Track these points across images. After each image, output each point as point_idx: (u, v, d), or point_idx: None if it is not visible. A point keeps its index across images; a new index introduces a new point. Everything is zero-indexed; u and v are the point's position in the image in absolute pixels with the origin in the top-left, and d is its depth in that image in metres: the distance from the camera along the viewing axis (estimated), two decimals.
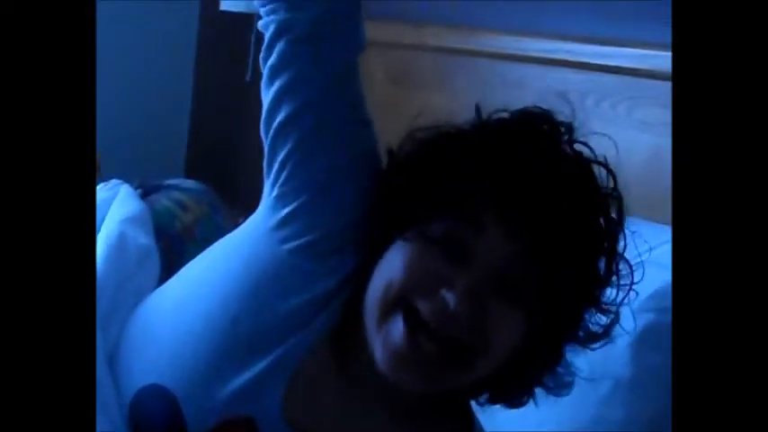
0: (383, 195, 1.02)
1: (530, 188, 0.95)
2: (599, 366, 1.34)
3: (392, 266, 0.97)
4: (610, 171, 1.01)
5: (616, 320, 1.03)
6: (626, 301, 1.02)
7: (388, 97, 2.24)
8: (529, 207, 0.94)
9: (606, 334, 1.03)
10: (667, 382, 1.43)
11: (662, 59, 1.71)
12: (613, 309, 1.02)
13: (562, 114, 1.02)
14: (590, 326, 1.02)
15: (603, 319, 1.02)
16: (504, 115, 1.03)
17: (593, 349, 1.04)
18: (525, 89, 1.96)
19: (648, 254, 1.57)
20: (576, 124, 1.01)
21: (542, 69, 1.94)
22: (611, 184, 1.01)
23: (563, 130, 1.01)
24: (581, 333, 1.02)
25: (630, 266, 1.02)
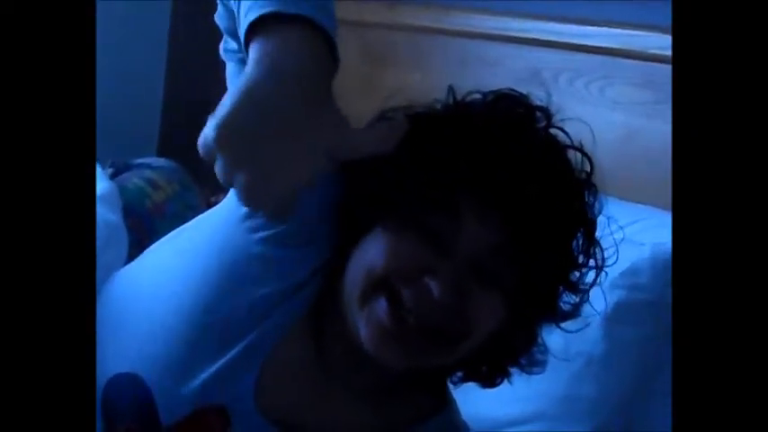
0: (358, 180, 1.01)
1: (506, 174, 0.95)
2: (571, 344, 1.35)
3: (373, 252, 0.97)
4: (586, 155, 1.01)
5: (585, 299, 1.03)
6: (598, 281, 1.03)
7: (363, 77, 2.24)
8: (506, 193, 0.95)
9: (575, 312, 1.03)
10: (638, 357, 1.46)
11: (635, 38, 1.72)
12: (585, 289, 1.03)
13: (538, 98, 1.02)
14: (562, 305, 1.03)
15: (574, 298, 1.03)
16: (478, 97, 1.03)
17: (564, 329, 1.05)
18: (500, 68, 1.96)
19: (620, 232, 1.59)
20: (552, 109, 1.01)
21: (516, 48, 1.94)
22: (587, 169, 1.01)
23: (539, 114, 1.01)
24: (554, 311, 1.03)
25: (602, 250, 1.02)
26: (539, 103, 1.01)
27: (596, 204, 1.01)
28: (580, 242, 1.00)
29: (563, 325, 1.05)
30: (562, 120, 1.01)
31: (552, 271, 0.99)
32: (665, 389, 1.45)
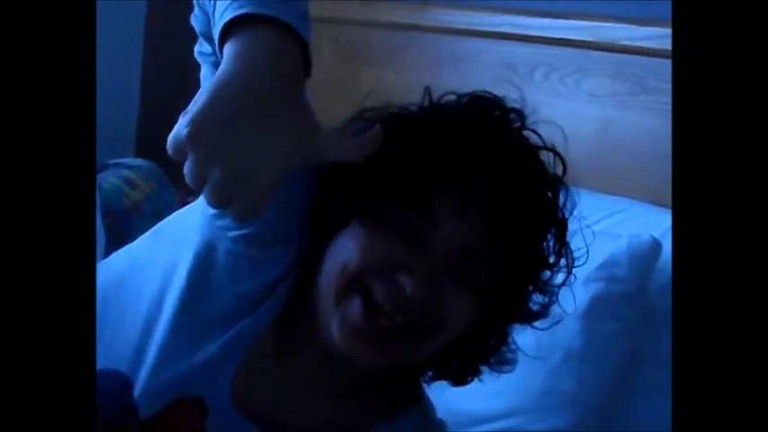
0: (332, 177, 1.01)
1: (480, 176, 0.96)
2: (549, 337, 1.35)
3: (347, 250, 0.97)
4: (560, 157, 1.02)
5: (555, 300, 1.04)
6: (567, 282, 1.04)
7: (337, 74, 2.24)
8: (480, 195, 0.96)
9: (544, 313, 1.04)
10: (616, 350, 1.47)
11: (609, 30, 1.73)
12: (555, 290, 1.03)
13: (512, 99, 1.02)
14: (531, 305, 1.04)
15: (544, 298, 1.04)
16: (453, 98, 1.03)
17: (537, 328, 1.05)
18: (475, 63, 1.97)
19: (595, 227, 1.60)
20: (526, 110, 1.01)
21: (492, 43, 1.94)
22: (561, 171, 1.01)
23: (513, 116, 1.01)
24: (525, 311, 1.04)
25: (572, 252, 1.03)
26: (513, 104, 1.02)
27: (568, 204, 1.01)
28: (551, 243, 1.01)
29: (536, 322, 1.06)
30: (535, 122, 1.01)
31: (524, 271, 1.00)
32: (643, 381, 1.46)
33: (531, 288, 1.02)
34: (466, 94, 1.03)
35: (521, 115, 1.01)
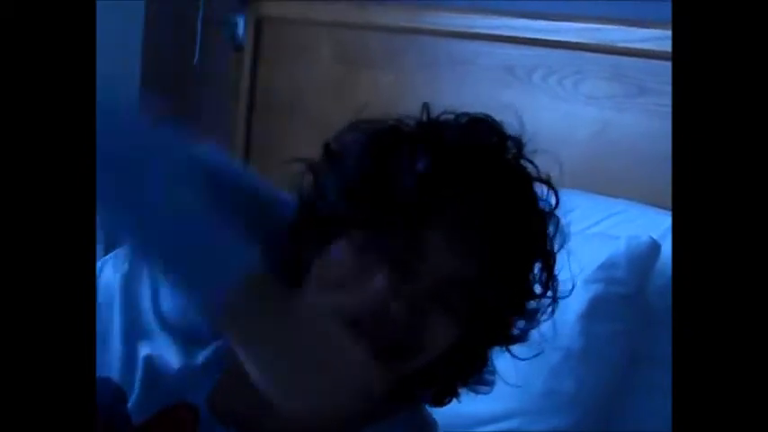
0: (322, 194, 1.00)
1: (471, 206, 0.96)
2: (548, 338, 1.36)
3: (335, 271, 0.97)
4: (552, 188, 1.02)
5: (535, 326, 1.05)
6: (549, 312, 1.04)
7: (336, 77, 2.24)
8: (470, 225, 0.95)
9: (523, 337, 1.05)
10: (616, 351, 1.47)
11: (607, 32, 1.73)
12: (538, 317, 1.04)
13: (511, 128, 1.01)
14: (513, 330, 1.04)
15: (525, 324, 1.04)
16: (452, 118, 1.02)
17: (517, 357, 1.06)
18: (473, 66, 1.97)
19: (596, 226, 1.60)
20: (524, 140, 1.00)
21: (489, 46, 1.94)
22: (553, 202, 1.01)
23: (509, 143, 1.01)
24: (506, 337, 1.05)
25: (558, 283, 1.03)
26: (511, 132, 1.01)
27: (558, 237, 1.01)
28: (538, 273, 1.01)
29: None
30: (534, 151, 1.01)
31: (508, 298, 1.00)
32: (643, 382, 1.47)
33: (516, 317, 1.03)
34: (465, 115, 1.01)
35: (518, 144, 1.00)
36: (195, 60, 2.58)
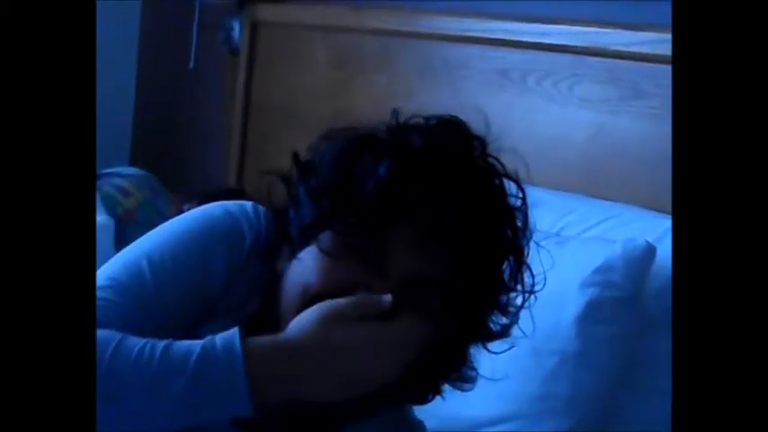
0: (296, 199, 1.03)
1: (439, 205, 0.97)
2: (545, 342, 1.36)
3: (307, 272, 0.99)
4: (519, 185, 1.04)
5: (515, 321, 1.06)
6: (526, 305, 1.05)
7: (331, 80, 2.24)
8: (436, 226, 0.97)
9: (505, 333, 1.06)
10: (612, 354, 1.47)
11: (601, 36, 1.73)
12: (515, 311, 1.05)
13: (477, 127, 1.03)
14: (491, 326, 1.05)
15: (504, 319, 1.05)
16: (420, 121, 1.04)
17: (492, 352, 1.06)
18: (468, 69, 1.97)
19: (591, 230, 1.61)
20: (489, 138, 1.03)
21: (484, 49, 1.95)
22: (521, 197, 1.03)
23: (476, 143, 1.02)
24: (483, 333, 1.05)
25: (533, 274, 1.04)
26: (477, 132, 1.03)
27: (526, 231, 1.02)
28: (509, 268, 1.03)
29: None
30: (499, 149, 1.03)
31: (481, 293, 1.01)
32: (639, 385, 1.47)
33: (491, 311, 1.04)
34: (435, 117, 1.03)
35: (482, 143, 1.02)
36: (191, 64, 2.58)
